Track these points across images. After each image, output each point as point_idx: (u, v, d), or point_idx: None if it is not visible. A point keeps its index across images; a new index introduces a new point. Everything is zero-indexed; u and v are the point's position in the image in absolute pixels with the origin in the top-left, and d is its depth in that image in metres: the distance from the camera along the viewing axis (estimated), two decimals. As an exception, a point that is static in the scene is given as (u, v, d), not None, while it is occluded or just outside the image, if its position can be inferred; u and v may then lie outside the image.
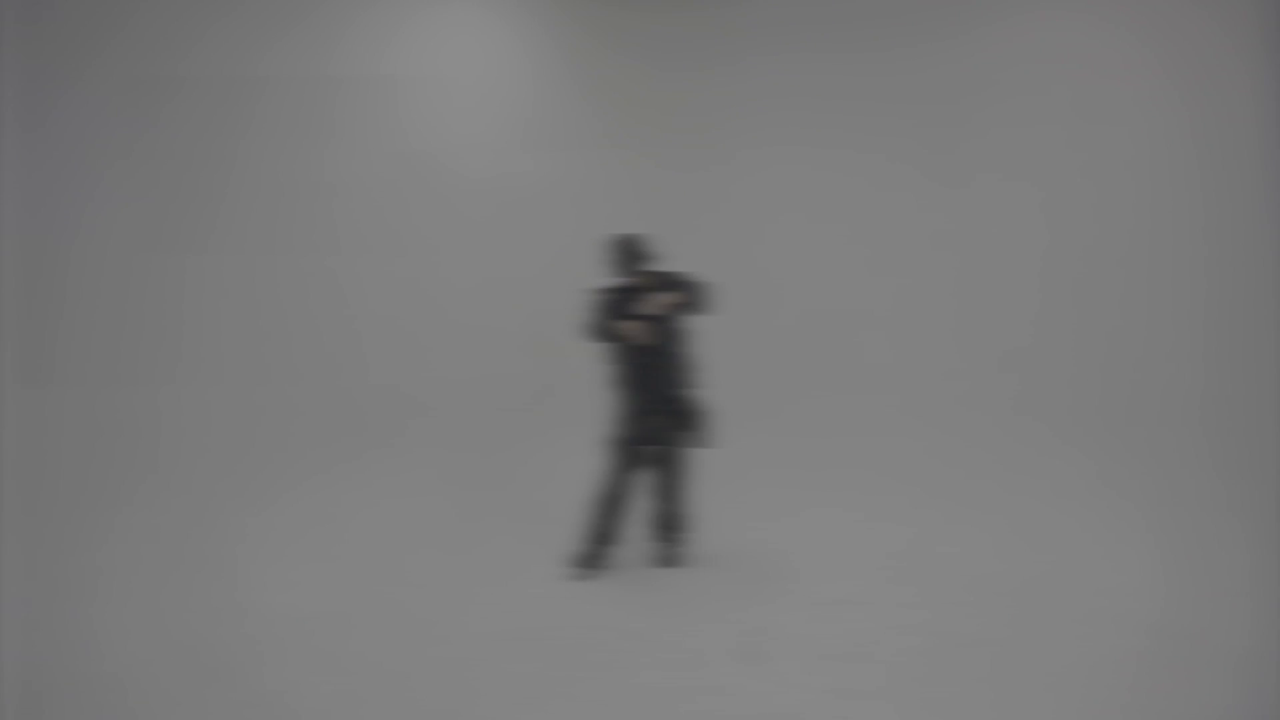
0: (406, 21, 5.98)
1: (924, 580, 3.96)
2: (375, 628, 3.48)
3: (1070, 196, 5.63)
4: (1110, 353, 5.46)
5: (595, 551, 4.04)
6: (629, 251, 3.96)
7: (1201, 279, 5.27)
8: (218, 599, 3.71)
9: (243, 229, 5.46)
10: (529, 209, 6.40)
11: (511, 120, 6.36)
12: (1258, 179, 5.11)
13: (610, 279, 4.08)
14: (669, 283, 3.93)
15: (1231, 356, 5.09)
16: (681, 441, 4.08)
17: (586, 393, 6.02)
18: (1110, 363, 5.46)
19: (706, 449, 4.19)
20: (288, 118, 5.62)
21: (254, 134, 5.50)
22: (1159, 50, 5.32)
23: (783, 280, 6.50)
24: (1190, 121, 5.30)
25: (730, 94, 6.58)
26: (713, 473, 5.06)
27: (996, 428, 5.53)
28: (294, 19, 5.69)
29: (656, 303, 3.80)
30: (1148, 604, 3.66)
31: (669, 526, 4.19)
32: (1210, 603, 3.66)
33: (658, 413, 3.95)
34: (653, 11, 6.71)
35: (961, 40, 5.88)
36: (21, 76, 5.00)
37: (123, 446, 4.96)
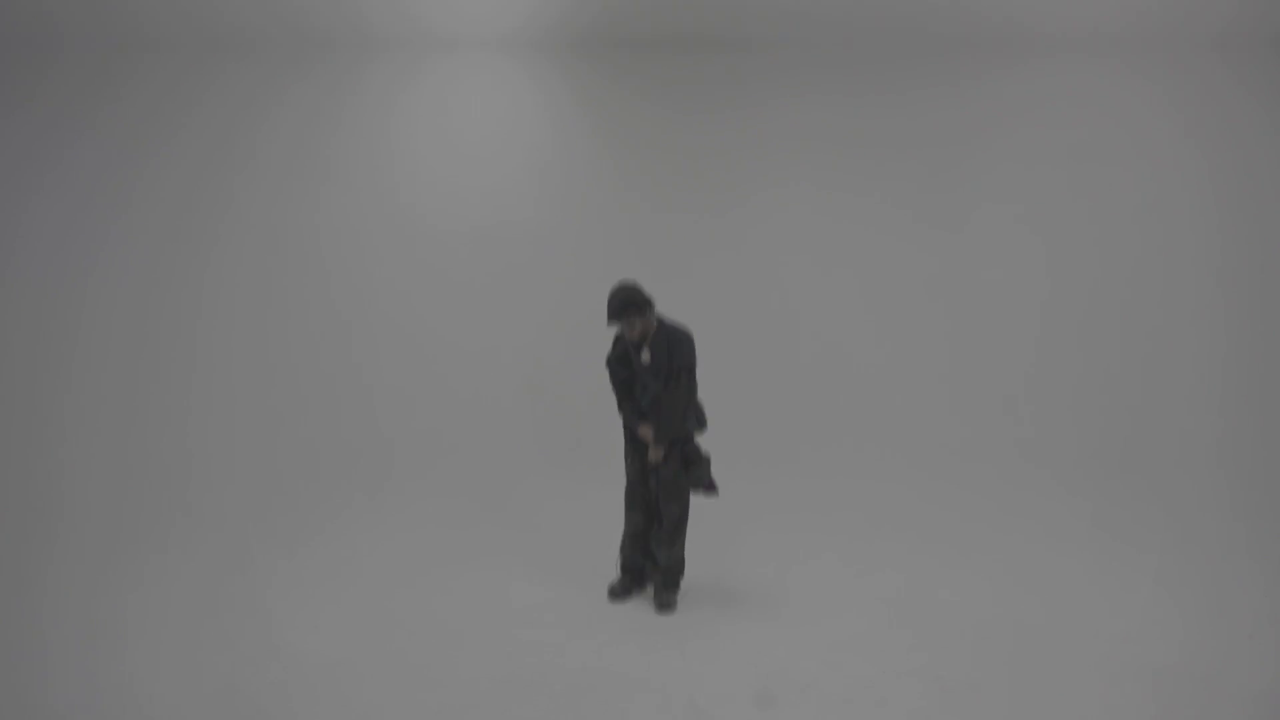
0: (419, 69, 6.12)
1: (926, 624, 4.08)
2: (392, 674, 3.63)
3: (1074, 241, 5.72)
4: (1118, 396, 5.52)
5: (624, 583, 4.44)
6: (625, 299, 4.12)
7: (1212, 321, 5.32)
8: (249, 643, 3.88)
9: (246, 274, 5.62)
10: (534, 257, 6.50)
11: (525, 167, 6.48)
12: (1270, 224, 5.18)
13: (612, 328, 4.29)
14: (659, 334, 4.19)
15: (1246, 399, 5.12)
16: (680, 483, 4.25)
17: (591, 433, 6.22)
18: (1119, 406, 5.52)
19: (704, 493, 4.35)
20: (292, 165, 5.77)
21: (256, 180, 5.66)
22: (1169, 96, 5.41)
23: (787, 324, 6.59)
24: (1200, 167, 5.37)
25: (745, 138, 6.70)
26: (711, 515, 5.21)
27: (1000, 474, 5.60)
28: (305, 67, 5.85)
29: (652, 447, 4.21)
30: (1159, 648, 3.76)
31: (665, 570, 4.35)
32: (1225, 646, 3.76)
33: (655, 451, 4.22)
34: (667, 58, 6.81)
35: (976, 83, 5.99)
36: (28, 124, 5.22)
37: (152, 489, 5.14)
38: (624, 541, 4.48)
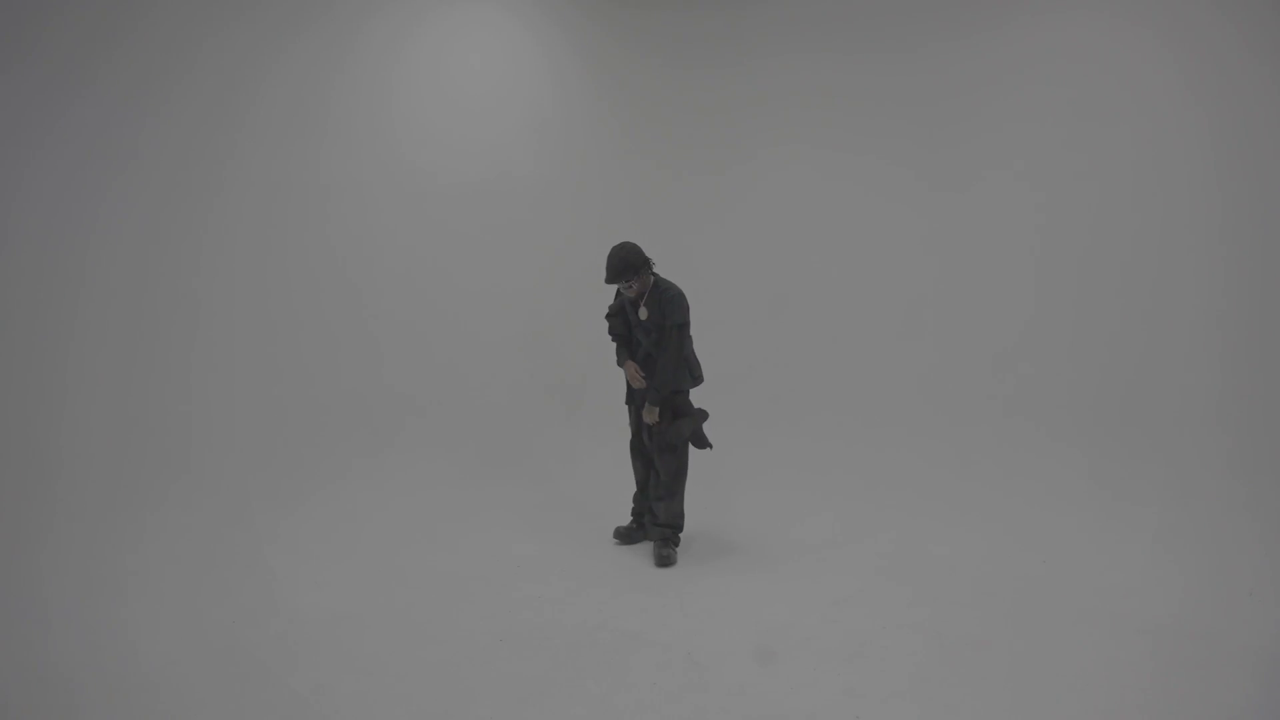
0: (418, 24, 6.03)
1: (925, 581, 4.10)
2: (393, 629, 3.65)
3: (1072, 197, 5.64)
4: (1117, 353, 5.48)
5: (629, 527, 4.60)
6: (621, 263, 4.15)
7: (1213, 278, 5.26)
8: (250, 597, 3.89)
9: (249, 229, 5.56)
10: (537, 211, 6.47)
11: (525, 121, 6.41)
12: (1271, 180, 5.10)
13: (610, 287, 4.34)
14: (652, 297, 4.24)
15: (1246, 356, 5.09)
16: (673, 437, 4.27)
17: (596, 389, 6.21)
18: (1119, 362, 5.48)
19: (699, 447, 4.38)
20: (294, 119, 5.70)
21: (258, 134, 5.59)
22: (1170, 50, 5.29)
23: (785, 283, 6.55)
24: (1203, 122, 5.27)
25: (746, 94, 6.60)
26: (711, 473, 5.22)
27: (997, 432, 5.59)
28: (304, 21, 5.76)
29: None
30: (1159, 604, 3.77)
31: (663, 524, 4.37)
32: (1225, 603, 3.76)
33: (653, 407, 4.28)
34: (670, 10, 6.71)
35: (978, 38, 5.87)
36: (26, 80, 5.13)
37: (152, 445, 5.13)
38: (636, 490, 4.63)
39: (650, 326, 4.25)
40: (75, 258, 5.28)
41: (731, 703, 3.08)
